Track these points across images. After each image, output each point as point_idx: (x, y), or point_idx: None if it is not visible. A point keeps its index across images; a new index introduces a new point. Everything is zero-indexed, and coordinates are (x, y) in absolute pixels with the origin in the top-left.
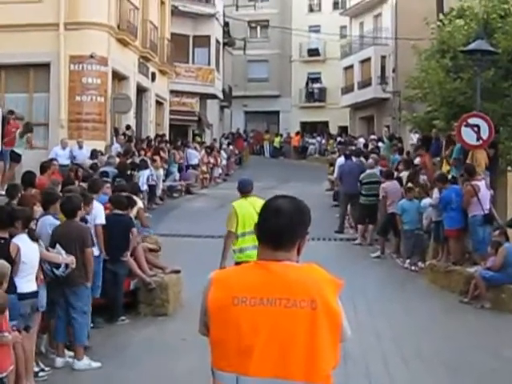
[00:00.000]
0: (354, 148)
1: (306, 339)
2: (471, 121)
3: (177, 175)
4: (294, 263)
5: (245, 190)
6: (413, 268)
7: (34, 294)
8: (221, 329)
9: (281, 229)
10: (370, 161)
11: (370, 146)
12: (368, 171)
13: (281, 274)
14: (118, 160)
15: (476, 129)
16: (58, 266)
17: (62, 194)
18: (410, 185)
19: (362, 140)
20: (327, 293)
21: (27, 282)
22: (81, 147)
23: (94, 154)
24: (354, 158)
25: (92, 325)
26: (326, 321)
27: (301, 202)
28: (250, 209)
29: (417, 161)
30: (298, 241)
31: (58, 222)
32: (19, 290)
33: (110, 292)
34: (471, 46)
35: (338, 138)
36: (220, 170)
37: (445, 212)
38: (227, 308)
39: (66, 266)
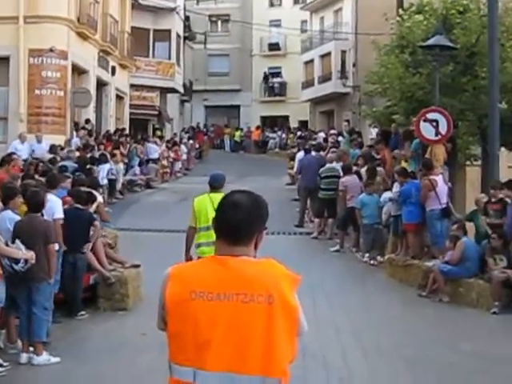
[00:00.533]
0: (313, 142)
1: (263, 334)
2: (430, 116)
3: (137, 169)
4: (251, 258)
5: (215, 184)
6: (372, 262)
7: None
8: (178, 323)
9: (238, 223)
10: (330, 155)
11: (330, 141)
12: (328, 165)
13: (238, 269)
14: (77, 154)
15: (435, 124)
16: (17, 261)
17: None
18: (378, 179)
19: (321, 134)
20: (284, 287)
21: None
22: (39, 141)
23: (53, 148)
24: (313, 153)
25: (51, 320)
26: (283, 315)
27: (258, 196)
28: (207, 205)
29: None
30: (255, 235)
31: (17, 217)
32: None
33: (69, 286)
34: (430, 42)
35: (298, 133)
36: (180, 165)
37: (404, 206)
38: (185, 302)
39: (26, 261)
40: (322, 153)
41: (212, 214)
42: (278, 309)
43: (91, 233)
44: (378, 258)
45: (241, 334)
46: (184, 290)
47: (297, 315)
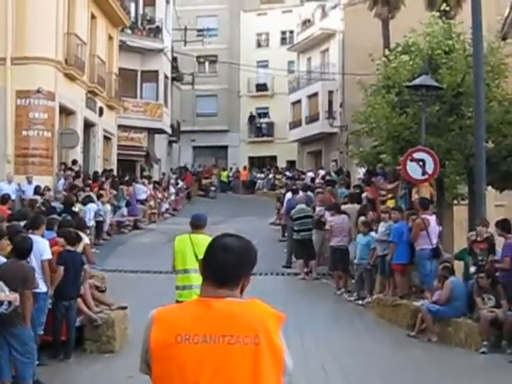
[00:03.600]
0: (301, 182)
1: (251, 375)
2: (416, 155)
3: (125, 210)
4: (236, 299)
5: (196, 224)
6: (360, 302)
7: None
8: (164, 367)
9: (228, 267)
10: (301, 194)
11: (318, 181)
12: (298, 206)
13: (223, 310)
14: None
15: (421, 163)
16: (0, 303)
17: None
18: (362, 218)
19: (310, 174)
20: (270, 327)
21: None
22: (30, 182)
23: (38, 189)
24: (301, 193)
25: (37, 362)
26: (269, 356)
27: (248, 241)
28: (186, 246)
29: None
30: (242, 279)
31: (3, 259)
32: None
33: (60, 331)
34: (416, 82)
35: (286, 173)
36: (168, 205)
37: (398, 244)
38: (170, 346)
39: (9, 303)
40: (309, 193)
41: (190, 257)
42: (265, 349)
43: (82, 274)
44: (367, 298)
45: (228, 377)
46: (169, 334)
47: (282, 355)
